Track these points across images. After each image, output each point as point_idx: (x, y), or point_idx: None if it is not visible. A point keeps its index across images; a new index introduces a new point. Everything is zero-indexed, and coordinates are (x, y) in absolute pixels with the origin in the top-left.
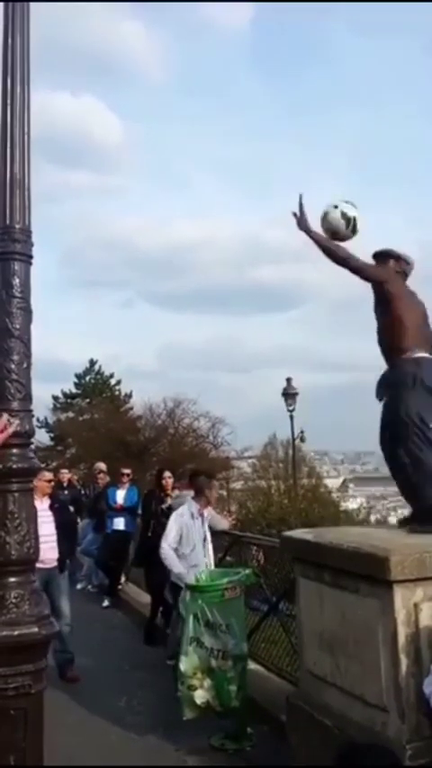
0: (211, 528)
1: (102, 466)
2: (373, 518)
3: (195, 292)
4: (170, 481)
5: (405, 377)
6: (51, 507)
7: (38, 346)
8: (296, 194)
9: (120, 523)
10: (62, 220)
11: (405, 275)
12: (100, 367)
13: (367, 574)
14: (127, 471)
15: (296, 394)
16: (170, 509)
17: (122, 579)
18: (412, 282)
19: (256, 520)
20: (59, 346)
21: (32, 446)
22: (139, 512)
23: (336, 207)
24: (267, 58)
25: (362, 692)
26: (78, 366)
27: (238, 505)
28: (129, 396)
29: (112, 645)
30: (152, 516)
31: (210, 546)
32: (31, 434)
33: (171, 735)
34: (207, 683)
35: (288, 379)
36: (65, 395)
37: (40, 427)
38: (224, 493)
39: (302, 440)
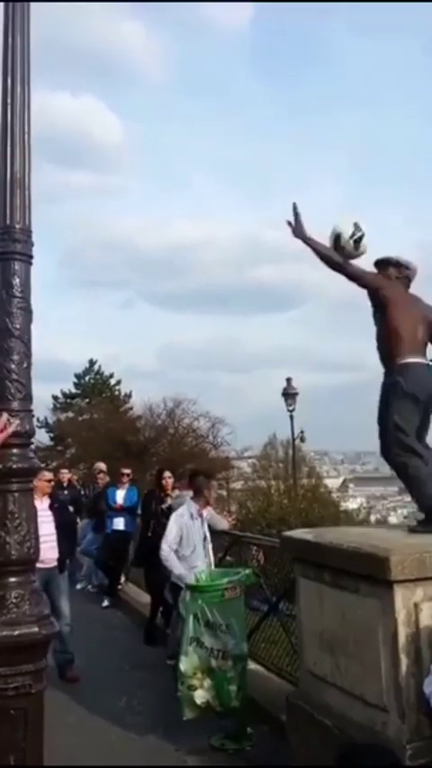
0: (210, 528)
1: (102, 466)
2: (373, 518)
3: (195, 292)
4: (170, 481)
5: (390, 383)
6: (51, 507)
7: (38, 346)
8: (297, 194)
9: (119, 523)
10: (62, 220)
11: (408, 281)
12: (100, 367)
13: (367, 574)
14: (127, 471)
15: (296, 394)
16: (170, 509)
17: (122, 579)
18: (413, 283)
19: (256, 520)
20: (59, 346)
21: (32, 446)
22: (139, 512)
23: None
24: (267, 58)
25: (362, 691)
26: (78, 366)
27: (238, 505)
28: (128, 396)
29: (112, 645)
30: (152, 516)
31: (210, 546)
32: (31, 434)
33: (171, 735)
34: (207, 683)
35: (288, 379)
36: (65, 395)
37: (40, 427)
38: (224, 493)
39: (302, 440)
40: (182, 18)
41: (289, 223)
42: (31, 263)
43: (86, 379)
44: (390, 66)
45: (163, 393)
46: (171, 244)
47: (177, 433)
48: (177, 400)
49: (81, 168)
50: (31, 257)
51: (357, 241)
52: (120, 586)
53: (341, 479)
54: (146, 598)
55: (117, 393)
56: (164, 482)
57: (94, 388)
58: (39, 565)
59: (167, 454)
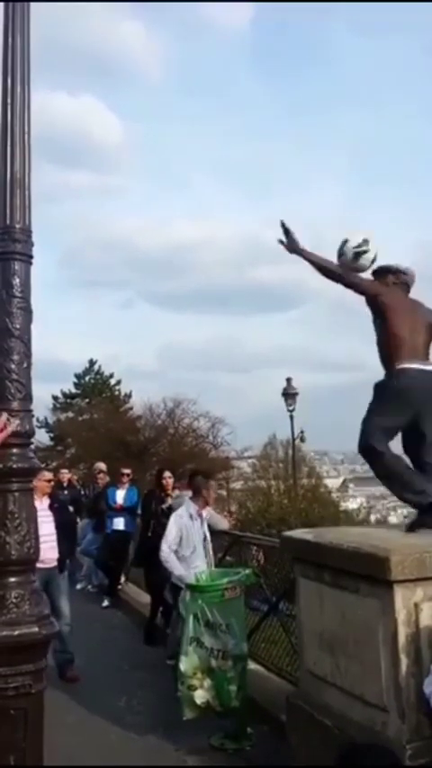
0: (210, 528)
1: (101, 466)
2: (373, 518)
3: (195, 292)
4: (170, 481)
5: (379, 385)
6: (51, 507)
7: (38, 346)
8: (297, 194)
9: (119, 523)
10: (62, 220)
11: (406, 286)
12: (100, 367)
13: (367, 574)
14: (127, 471)
15: (296, 394)
16: (170, 509)
17: (122, 579)
18: (413, 286)
19: (256, 520)
20: (59, 346)
21: (32, 446)
22: (139, 512)
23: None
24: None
25: (362, 691)
26: (78, 366)
27: (238, 505)
28: (128, 396)
29: (112, 645)
30: (152, 516)
31: (209, 546)
32: (31, 434)
33: (171, 735)
34: (207, 683)
35: (288, 379)
36: (64, 395)
37: (39, 427)
38: (224, 493)
39: (302, 440)
40: (182, 18)
41: (281, 242)
42: (31, 263)
43: (86, 379)
44: (390, 66)
45: (163, 393)
46: (171, 244)
47: (177, 433)
48: (177, 400)
49: (81, 168)
50: (31, 257)
51: (358, 254)
52: (120, 586)
53: (341, 479)
54: (146, 598)
55: (117, 393)
56: (164, 482)
57: (94, 388)
58: (39, 565)
59: (167, 454)
